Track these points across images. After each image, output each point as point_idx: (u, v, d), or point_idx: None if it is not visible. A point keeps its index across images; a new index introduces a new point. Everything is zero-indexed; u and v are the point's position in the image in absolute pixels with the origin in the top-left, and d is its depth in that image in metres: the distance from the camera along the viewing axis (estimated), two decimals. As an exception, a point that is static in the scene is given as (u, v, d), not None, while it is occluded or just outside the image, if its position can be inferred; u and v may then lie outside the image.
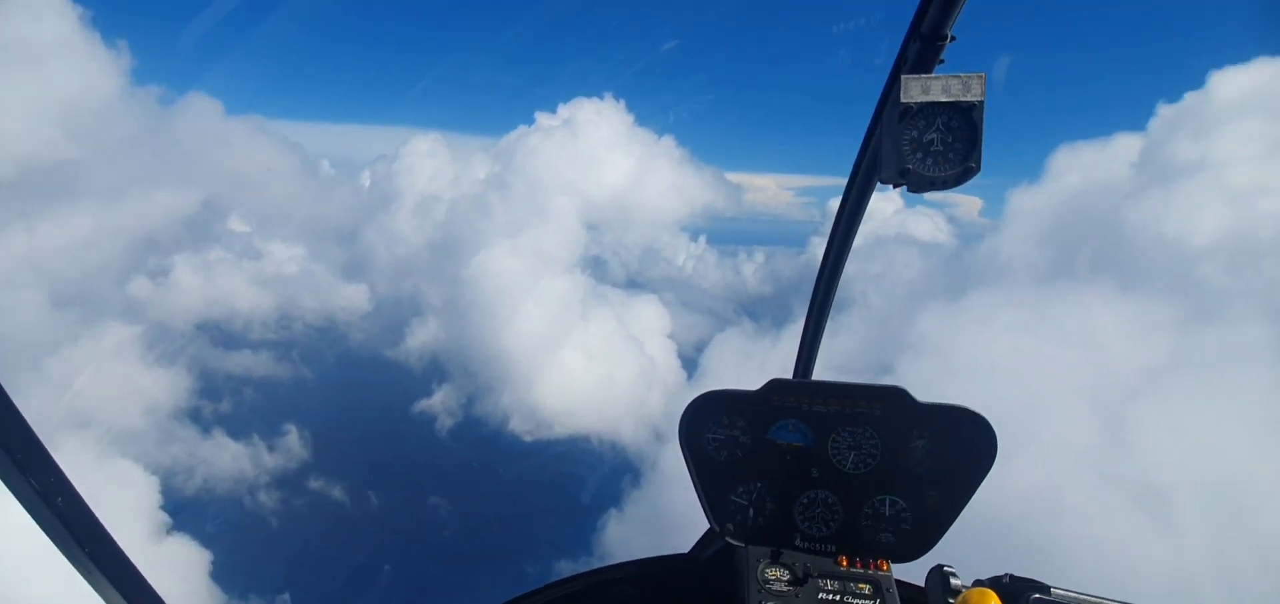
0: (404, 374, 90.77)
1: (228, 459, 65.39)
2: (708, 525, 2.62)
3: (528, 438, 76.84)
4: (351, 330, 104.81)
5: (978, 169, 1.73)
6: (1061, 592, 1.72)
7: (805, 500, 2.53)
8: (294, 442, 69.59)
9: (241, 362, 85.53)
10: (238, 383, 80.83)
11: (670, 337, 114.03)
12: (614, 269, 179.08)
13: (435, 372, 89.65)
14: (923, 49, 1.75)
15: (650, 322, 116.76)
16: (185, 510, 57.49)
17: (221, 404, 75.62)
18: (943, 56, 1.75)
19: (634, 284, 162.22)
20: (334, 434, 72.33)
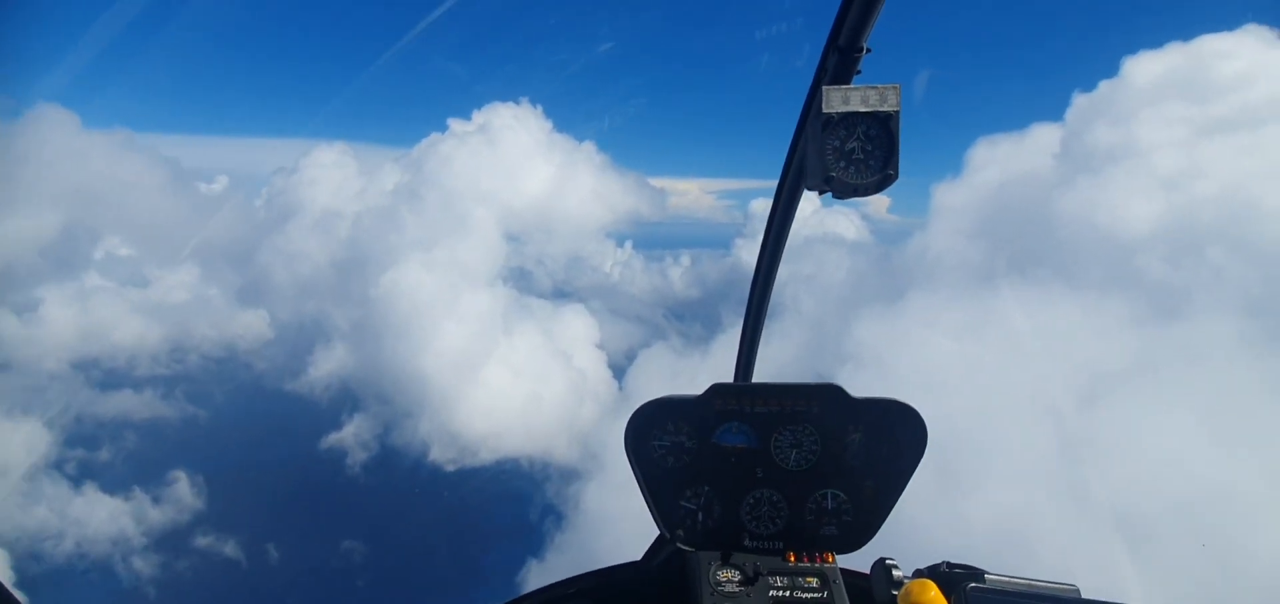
0: (309, 407, 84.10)
1: (103, 517, 57.73)
2: (657, 532, 2.70)
3: (451, 467, 72.44)
4: (251, 361, 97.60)
5: (896, 176, 1.79)
6: (995, 577, 1.80)
7: (752, 500, 2.61)
8: (183, 491, 62.51)
9: (122, 403, 77.36)
10: (117, 427, 72.67)
11: (599, 346, 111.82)
12: (539, 279, 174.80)
13: (345, 402, 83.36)
14: (841, 60, 1.84)
15: (578, 332, 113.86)
16: (47, 583, 50.62)
17: (99, 453, 67.79)
18: (860, 67, 1.84)
19: (561, 294, 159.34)
20: (230, 480, 65.94)
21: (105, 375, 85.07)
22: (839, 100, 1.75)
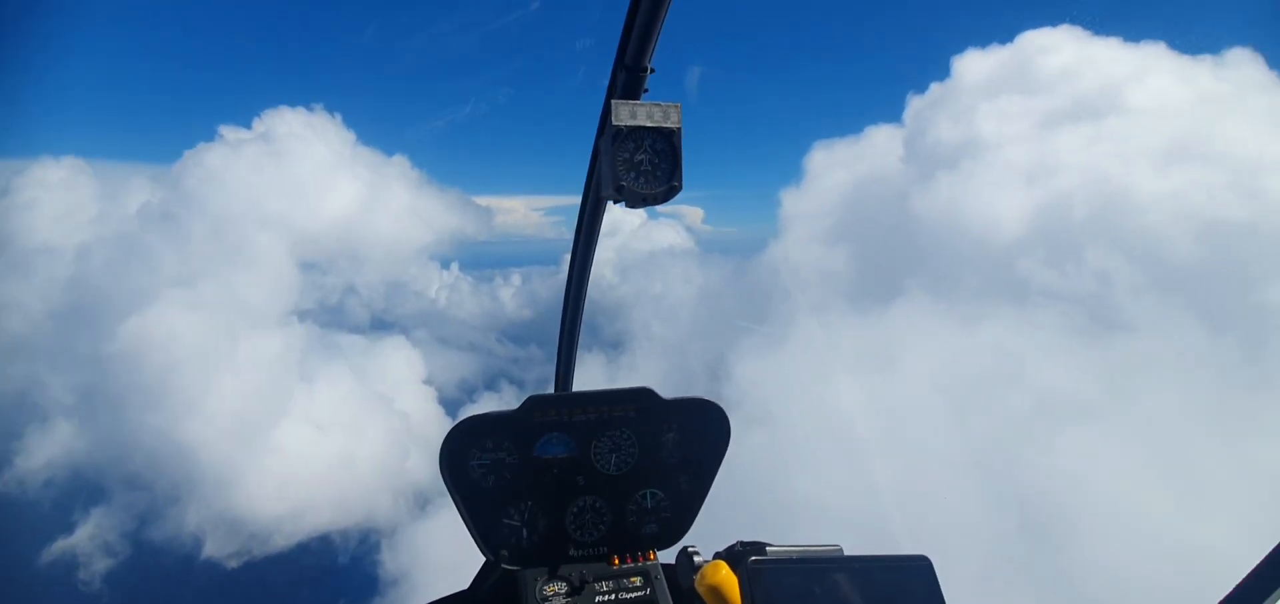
0: (26, 507, 63.79)
1: None
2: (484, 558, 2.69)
3: (233, 563, 57.70)
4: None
5: (680, 187, 1.93)
6: (776, 548, 1.90)
7: (576, 509, 2.64)
8: None
9: None
10: None
11: (427, 381, 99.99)
12: (352, 312, 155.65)
13: (79, 494, 64.58)
14: (628, 78, 1.96)
15: (400, 368, 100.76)
16: None
17: None
18: (647, 86, 1.97)
19: (379, 326, 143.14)
20: None
21: None
22: (627, 114, 1.87)
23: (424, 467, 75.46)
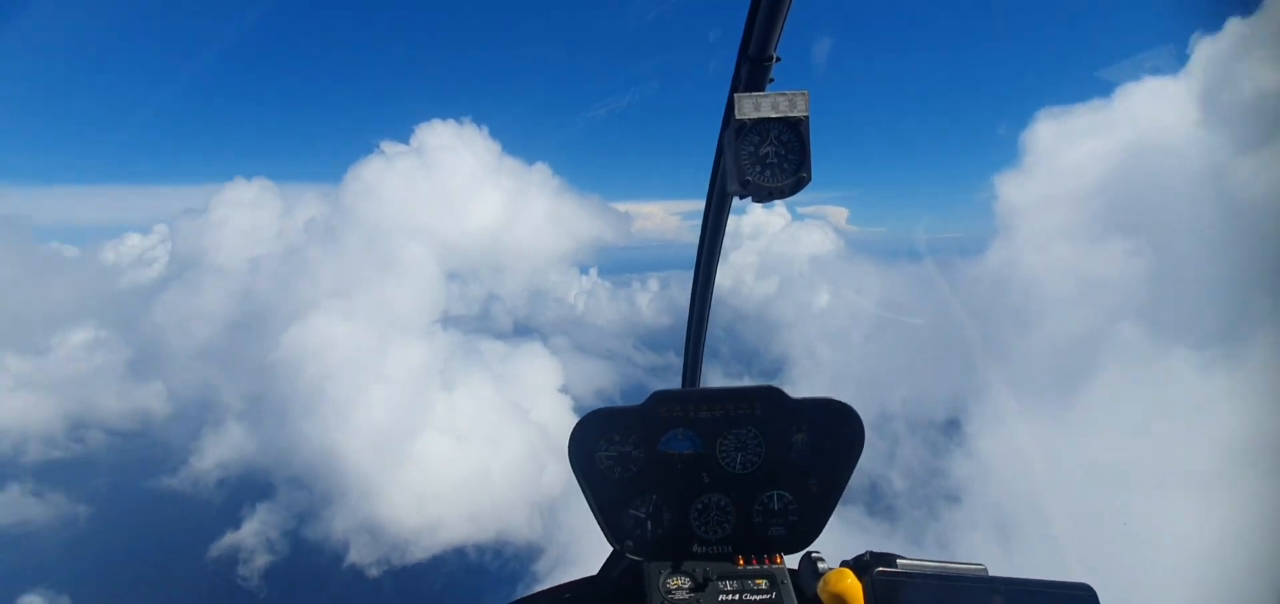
0: (200, 498, 69.94)
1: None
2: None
3: (375, 571, 58.46)
4: (141, 445, 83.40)
5: (809, 179, 1.90)
6: (908, 562, 1.91)
7: (700, 506, 2.65)
8: None
9: None
10: None
11: (563, 390, 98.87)
12: (494, 318, 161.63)
13: (247, 491, 69.40)
14: (752, 69, 1.96)
15: (537, 377, 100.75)
16: None
17: None
18: (772, 75, 1.96)
19: (519, 332, 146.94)
20: (106, 597, 56.35)
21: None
22: (750, 107, 1.84)
23: (559, 480, 74.17)
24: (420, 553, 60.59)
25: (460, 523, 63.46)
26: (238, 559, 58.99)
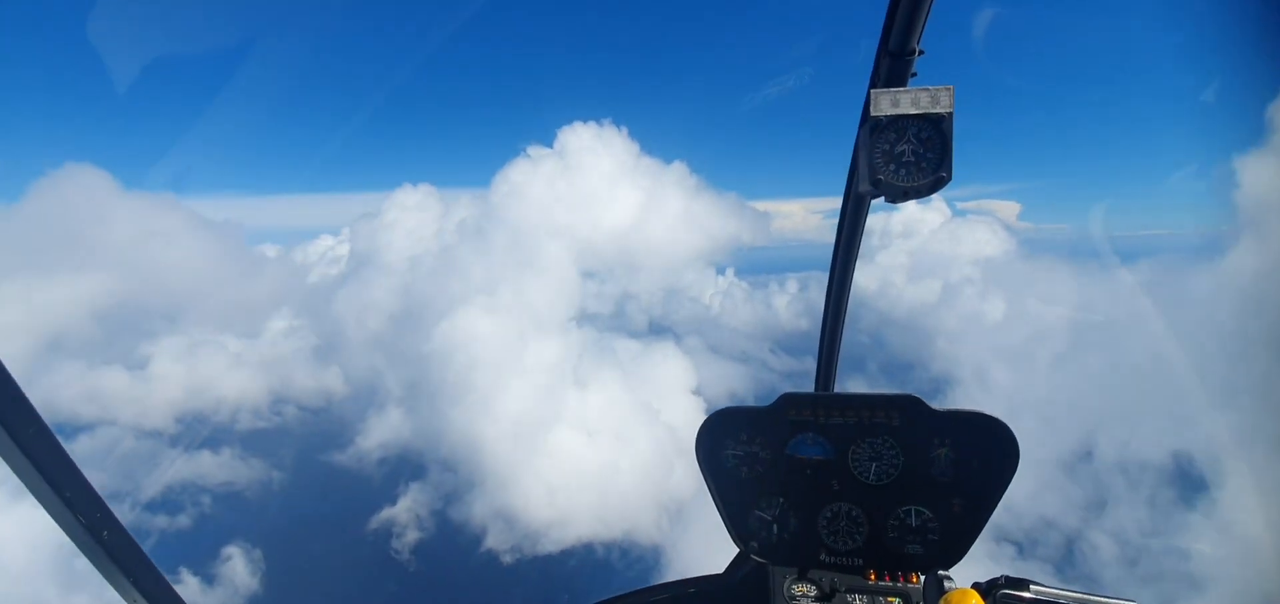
0: (365, 475, 77.08)
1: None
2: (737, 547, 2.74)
3: (508, 558, 61.43)
4: (320, 422, 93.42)
5: (949, 178, 1.82)
6: (1042, 588, 1.86)
7: (829, 514, 2.59)
8: (237, 568, 58.89)
9: (202, 465, 75.20)
10: (195, 492, 70.67)
11: (696, 392, 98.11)
12: (628, 316, 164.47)
13: (404, 470, 75.93)
14: (893, 65, 1.91)
15: (669, 378, 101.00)
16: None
17: (178, 518, 66.34)
18: (914, 70, 1.91)
19: (654, 331, 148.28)
20: (288, 555, 61.58)
21: (206, 431, 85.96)
22: (887, 104, 1.78)
23: (687, 484, 73.66)
24: (550, 545, 62.59)
25: (589, 519, 64.85)
26: (392, 533, 64.23)
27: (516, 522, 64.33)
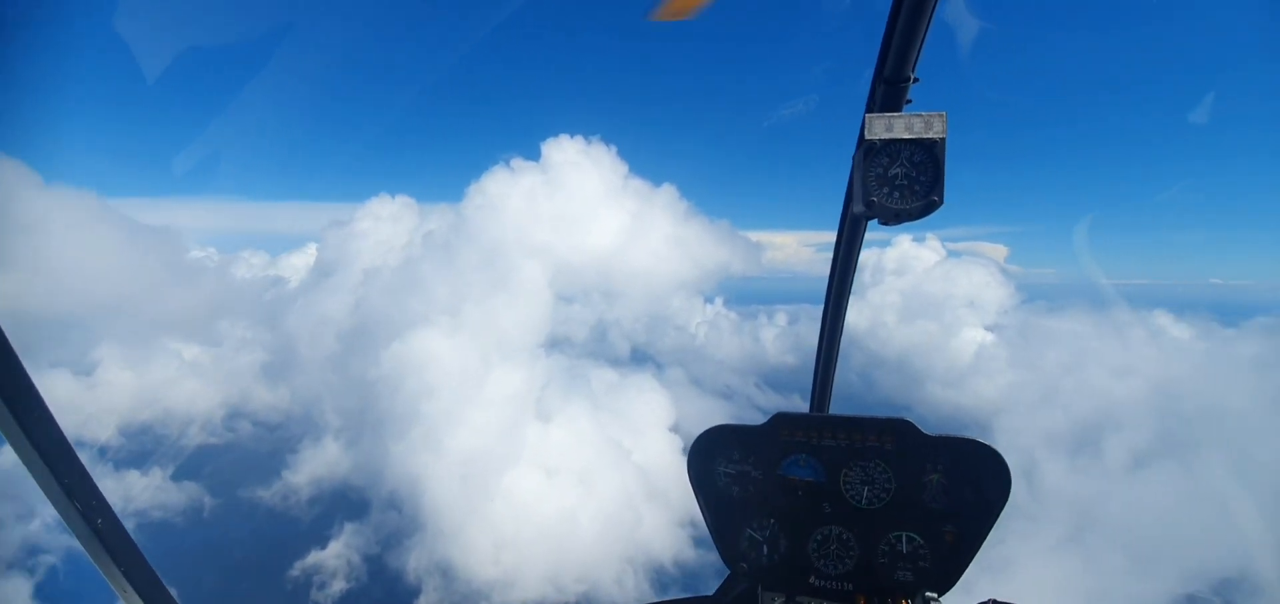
0: (294, 512, 69.50)
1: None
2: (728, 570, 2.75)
3: (442, 623, 53.87)
4: (259, 446, 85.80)
5: (941, 202, 1.90)
6: None
7: (819, 537, 2.61)
8: None
9: (130, 486, 68.50)
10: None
11: (673, 429, 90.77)
12: (609, 345, 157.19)
13: (341, 508, 68.28)
14: (887, 92, 2.00)
15: (645, 412, 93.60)
16: None
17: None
18: (909, 96, 1.99)
19: (637, 358, 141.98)
20: (197, 598, 52.95)
21: (146, 446, 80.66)
22: (882, 128, 1.87)
23: (658, 534, 66.59)
24: (495, 609, 55.34)
25: (538, 581, 57.49)
26: (315, 581, 57.40)
27: (455, 578, 56.94)
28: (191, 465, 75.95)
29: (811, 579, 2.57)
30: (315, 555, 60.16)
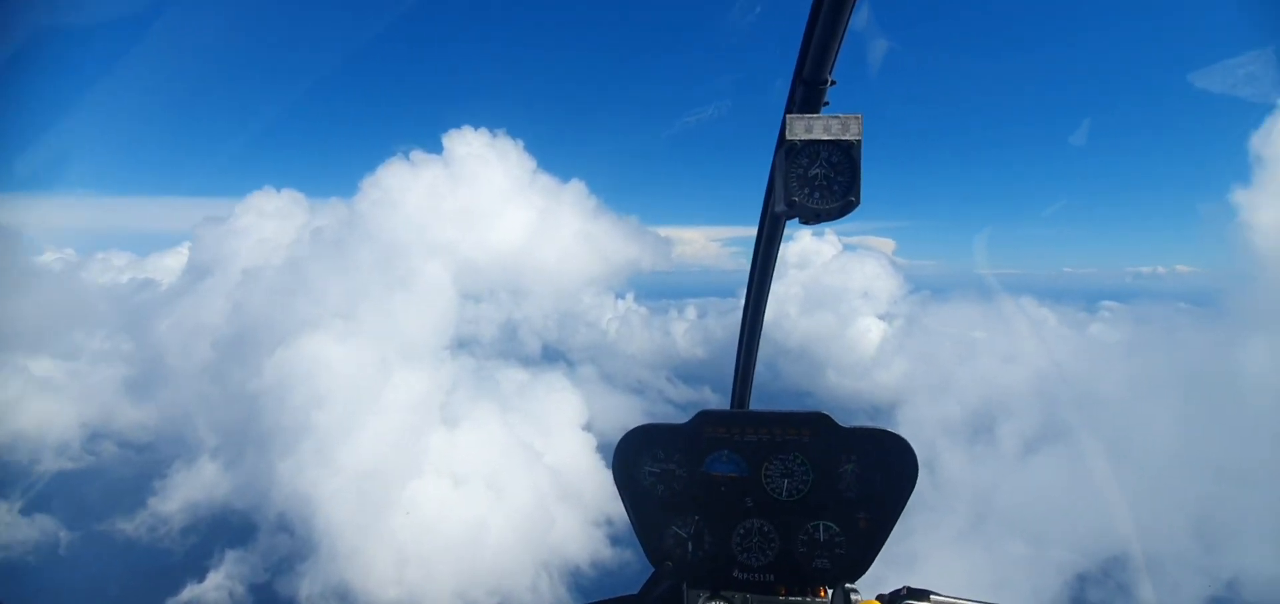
0: (168, 541, 62.73)
1: None
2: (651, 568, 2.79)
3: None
4: (125, 468, 76.77)
5: (858, 202, 1.94)
6: (941, 597, 2.04)
7: (742, 531, 2.65)
8: None
9: None
10: None
11: (586, 427, 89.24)
12: (518, 343, 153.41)
13: (222, 534, 62.29)
14: (806, 93, 2.04)
15: (556, 411, 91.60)
16: None
17: None
18: (827, 98, 2.03)
19: (548, 357, 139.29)
20: None
21: None
22: (802, 129, 1.91)
23: (573, 536, 65.01)
24: (396, 631, 52.01)
25: (446, 597, 54.53)
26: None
27: (354, 602, 52.97)
28: (45, 496, 67.83)
29: (736, 572, 2.61)
30: (192, 589, 55.05)
